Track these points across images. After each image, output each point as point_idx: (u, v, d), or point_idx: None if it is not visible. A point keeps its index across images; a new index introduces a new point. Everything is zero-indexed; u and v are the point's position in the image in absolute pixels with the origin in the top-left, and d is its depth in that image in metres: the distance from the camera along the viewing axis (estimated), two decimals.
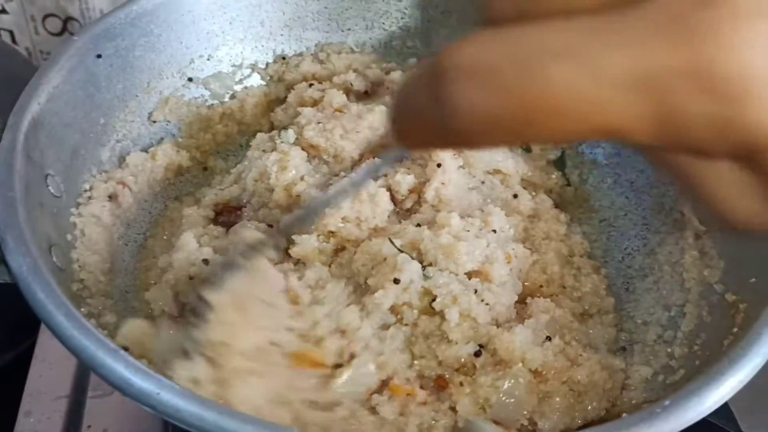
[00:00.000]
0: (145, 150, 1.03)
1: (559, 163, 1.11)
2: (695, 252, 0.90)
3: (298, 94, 1.10)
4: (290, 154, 0.94)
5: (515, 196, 0.98)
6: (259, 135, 1.03)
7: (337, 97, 1.03)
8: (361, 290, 0.83)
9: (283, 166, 0.93)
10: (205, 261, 0.84)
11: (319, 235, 0.87)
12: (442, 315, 0.78)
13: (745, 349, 0.64)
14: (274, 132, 1.02)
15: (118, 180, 0.96)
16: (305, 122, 0.99)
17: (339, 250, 0.89)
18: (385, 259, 0.82)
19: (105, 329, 0.80)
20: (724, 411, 0.97)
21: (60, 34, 1.47)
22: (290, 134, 0.98)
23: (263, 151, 0.98)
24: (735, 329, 0.72)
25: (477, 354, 0.77)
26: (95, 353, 0.62)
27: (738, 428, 0.97)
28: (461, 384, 0.77)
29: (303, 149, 0.96)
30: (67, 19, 1.46)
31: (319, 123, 0.98)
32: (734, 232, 0.42)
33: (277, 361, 0.72)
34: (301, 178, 0.93)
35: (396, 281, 0.79)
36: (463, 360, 0.78)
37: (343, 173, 0.95)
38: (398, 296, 0.79)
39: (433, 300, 0.79)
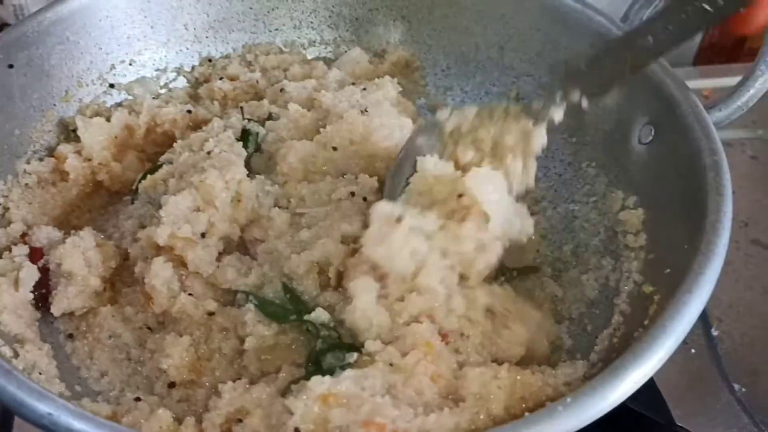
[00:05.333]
0: None
1: None
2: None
3: (209, 88, 1.10)
4: None
5: None
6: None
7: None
8: None
9: None
10: None
11: None
12: None
13: (649, 342, 0.64)
14: None
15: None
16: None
17: None
18: None
19: (19, 343, 0.78)
20: (656, 400, 0.98)
21: None
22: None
23: None
24: (646, 321, 0.72)
25: None
26: None
27: (671, 417, 0.97)
28: None
29: None
30: (2, 25, 1.43)
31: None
32: None
33: None
34: None
35: None
36: None
37: None
38: None
39: None
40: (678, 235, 0.79)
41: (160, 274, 0.84)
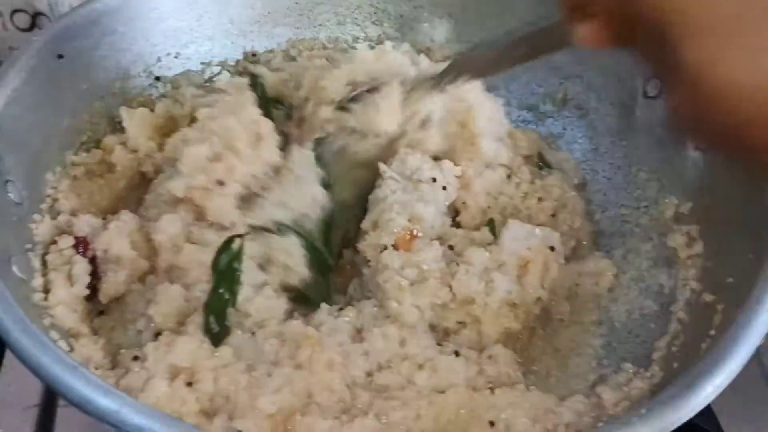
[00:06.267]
0: None
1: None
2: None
3: None
4: None
5: None
6: None
7: None
8: None
9: None
10: None
11: None
12: None
13: (721, 354, 0.63)
14: None
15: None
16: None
17: None
18: None
19: (73, 337, 0.78)
20: (705, 410, 0.96)
21: (29, 29, 1.43)
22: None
23: None
24: (712, 332, 0.71)
25: None
26: (53, 370, 0.59)
27: (718, 424, 0.96)
28: None
29: None
30: (36, 15, 1.42)
31: None
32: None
33: None
34: None
35: None
36: None
37: None
38: None
39: None
40: (740, 243, 0.78)
41: (168, 229, 0.85)
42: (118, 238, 0.86)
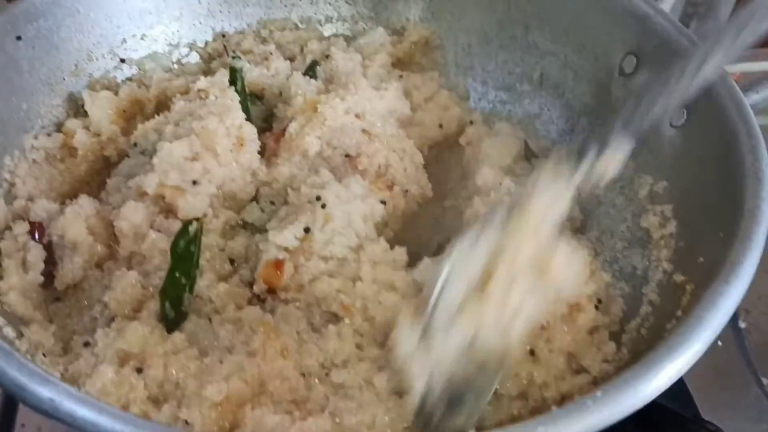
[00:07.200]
0: None
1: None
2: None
3: (222, 63, 1.07)
4: None
5: None
6: None
7: None
8: None
9: None
10: None
11: None
12: None
13: (684, 335, 0.61)
14: None
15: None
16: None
17: None
18: None
19: (25, 324, 0.76)
20: (682, 394, 0.94)
21: None
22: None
23: None
24: (679, 312, 0.68)
25: None
26: None
27: (697, 412, 0.94)
28: None
29: None
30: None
31: None
32: None
33: None
34: None
35: None
36: None
37: None
38: None
39: None
40: (712, 222, 0.75)
41: (130, 217, 0.83)
42: (74, 223, 0.84)
